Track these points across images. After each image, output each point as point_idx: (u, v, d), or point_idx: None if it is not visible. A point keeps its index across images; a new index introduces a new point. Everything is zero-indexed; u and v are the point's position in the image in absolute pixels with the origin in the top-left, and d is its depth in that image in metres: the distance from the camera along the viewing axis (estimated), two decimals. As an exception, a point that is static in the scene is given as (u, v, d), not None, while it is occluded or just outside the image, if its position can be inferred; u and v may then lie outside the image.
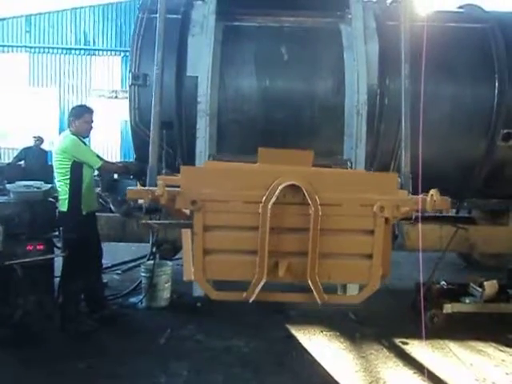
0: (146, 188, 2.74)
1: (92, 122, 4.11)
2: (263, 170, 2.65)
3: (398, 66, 3.48)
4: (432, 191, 2.57)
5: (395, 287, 5.42)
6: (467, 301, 4.38)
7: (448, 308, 4.27)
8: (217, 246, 2.63)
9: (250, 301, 2.63)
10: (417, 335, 3.86)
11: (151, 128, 3.18)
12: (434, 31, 3.92)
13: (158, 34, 3.25)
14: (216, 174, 2.73)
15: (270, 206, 2.48)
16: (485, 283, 4.37)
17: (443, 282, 4.62)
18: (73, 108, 4.34)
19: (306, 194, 2.50)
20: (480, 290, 4.38)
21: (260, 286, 2.58)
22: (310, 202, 2.49)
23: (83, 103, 11.89)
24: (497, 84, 4.15)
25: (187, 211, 2.79)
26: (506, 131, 4.18)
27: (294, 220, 2.59)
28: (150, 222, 3.33)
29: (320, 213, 2.49)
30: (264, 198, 2.49)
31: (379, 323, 4.43)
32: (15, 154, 12.11)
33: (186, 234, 2.92)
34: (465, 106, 4.18)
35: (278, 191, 2.48)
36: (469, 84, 4.23)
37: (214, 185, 2.59)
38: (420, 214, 3.20)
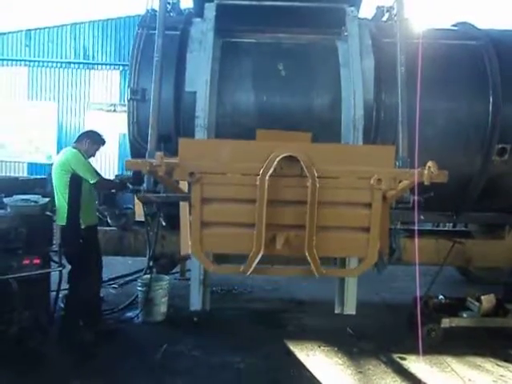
0: (144, 159, 2.71)
1: (98, 150, 4.30)
2: (261, 143, 2.66)
3: (394, 81, 3.54)
4: (429, 163, 2.53)
5: (393, 301, 5.43)
6: (465, 315, 4.37)
7: (446, 322, 4.26)
8: (214, 219, 2.62)
9: (248, 274, 2.60)
10: (415, 350, 3.83)
11: (150, 112, 3.16)
12: (429, 48, 4.00)
13: (157, 48, 3.30)
14: (214, 146, 2.73)
15: (267, 178, 2.48)
16: (482, 297, 4.37)
17: (441, 296, 4.61)
18: (92, 132, 4.40)
19: (303, 166, 2.50)
20: (477, 304, 4.37)
21: (257, 260, 2.56)
22: (307, 174, 2.49)
23: (82, 117, 12.01)
24: (491, 99, 4.19)
25: (184, 187, 2.77)
26: (500, 146, 4.22)
27: (291, 192, 2.59)
28: (147, 195, 3.29)
29: (317, 185, 2.49)
30: (261, 169, 2.49)
31: (377, 338, 4.41)
32: (12, 166, 12.12)
33: (183, 207, 2.90)
34: (460, 121, 4.22)
35: (275, 163, 2.48)
36: (464, 100, 4.28)
37: (211, 157, 2.58)
38: (417, 229, 3.22)
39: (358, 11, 4.36)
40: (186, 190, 2.89)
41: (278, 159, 2.49)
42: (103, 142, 4.31)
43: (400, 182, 2.72)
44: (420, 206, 3.08)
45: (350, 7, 4.21)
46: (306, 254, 2.56)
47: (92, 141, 4.19)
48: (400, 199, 3.22)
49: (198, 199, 2.56)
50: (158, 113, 3.25)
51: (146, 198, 3.32)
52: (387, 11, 4.50)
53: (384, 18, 4.56)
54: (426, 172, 2.52)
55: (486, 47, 4.35)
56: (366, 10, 4.97)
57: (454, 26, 5.00)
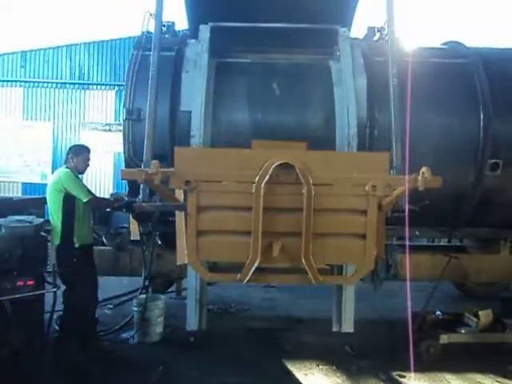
0: (140, 169, 2.71)
1: (89, 160, 4.30)
2: (256, 151, 2.68)
3: (386, 98, 3.60)
4: (423, 169, 2.56)
5: (390, 317, 5.39)
6: (463, 331, 4.35)
7: (444, 339, 4.23)
8: (210, 227, 2.62)
9: (244, 282, 2.58)
10: (414, 367, 3.81)
11: (146, 123, 3.17)
12: (420, 66, 4.08)
13: (153, 62, 3.35)
14: (210, 155, 2.75)
15: (263, 185, 2.49)
16: (480, 312, 4.36)
17: (438, 312, 4.60)
18: (72, 146, 4.55)
19: (298, 174, 2.51)
20: (475, 319, 4.36)
21: (254, 268, 2.55)
22: (302, 182, 2.50)
23: (77, 136, 12.04)
24: (482, 116, 4.26)
25: (180, 196, 2.77)
26: (493, 161, 4.27)
27: (287, 200, 2.60)
28: (144, 204, 3.27)
29: (313, 192, 2.50)
30: (257, 177, 2.49)
31: (376, 355, 4.37)
32: (7, 186, 12.07)
33: (179, 217, 2.89)
34: (452, 137, 4.27)
35: (270, 170, 2.50)
36: (455, 116, 4.34)
37: (207, 165, 2.59)
38: (411, 244, 3.22)
39: (349, 31, 4.46)
40: (181, 199, 2.90)
41: (273, 166, 2.51)
42: (87, 150, 4.31)
43: (395, 189, 2.74)
44: (415, 215, 3.08)
45: (341, 28, 4.32)
46: (303, 261, 2.55)
47: (74, 154, 4.21)
48: (395, 208, 3.24)
49: (193, 207, 2.57)
50: (154, 124, 3.27)
51: (141, 207, 3.32)
52: (378, 31, 4.60)
53: (375, 38, 4.66)
54: (420, 178, 2.54)
55: (476, 65, 4.44)
56: (358, 31, 5.10)
57: (443, 44, 5.11)
